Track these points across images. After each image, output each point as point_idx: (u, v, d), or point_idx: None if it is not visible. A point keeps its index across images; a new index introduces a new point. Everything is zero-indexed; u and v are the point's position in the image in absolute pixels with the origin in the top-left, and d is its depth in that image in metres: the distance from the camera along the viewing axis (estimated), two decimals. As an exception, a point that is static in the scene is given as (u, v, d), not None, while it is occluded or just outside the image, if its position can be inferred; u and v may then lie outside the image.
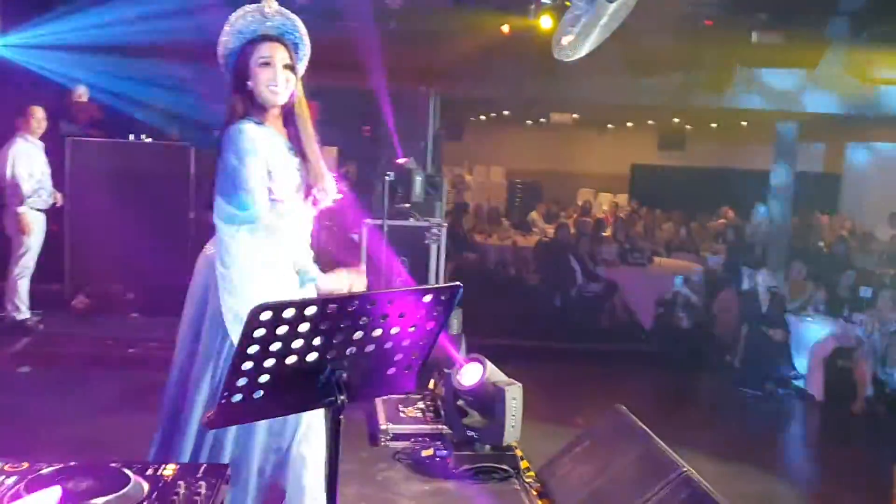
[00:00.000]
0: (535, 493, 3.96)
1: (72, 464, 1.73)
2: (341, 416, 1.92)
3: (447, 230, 10.75)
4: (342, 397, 1.90)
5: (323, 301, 1.79)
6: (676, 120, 13.80)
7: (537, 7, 5.72)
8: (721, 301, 8.43)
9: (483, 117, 14.88)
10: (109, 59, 7.04)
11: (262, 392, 1.86)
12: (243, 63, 2.84)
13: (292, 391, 1.91)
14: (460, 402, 4.03)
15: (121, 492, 1.59)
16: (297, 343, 1.81)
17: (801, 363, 7.17)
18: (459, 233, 10.84)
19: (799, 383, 7.14)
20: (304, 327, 1.79)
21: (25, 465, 1.79)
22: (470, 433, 4.02)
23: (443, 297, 1.95)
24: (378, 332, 1.92)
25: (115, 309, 7.00)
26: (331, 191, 2.94)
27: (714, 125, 13.95)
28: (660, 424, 3.77)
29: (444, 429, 4.45)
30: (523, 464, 4.15)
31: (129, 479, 1.66)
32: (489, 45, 7.11)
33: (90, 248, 6.88)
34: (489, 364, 4.01)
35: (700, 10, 7.47)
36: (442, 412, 4.48)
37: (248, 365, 1.78)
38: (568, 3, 5.11)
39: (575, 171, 16.63)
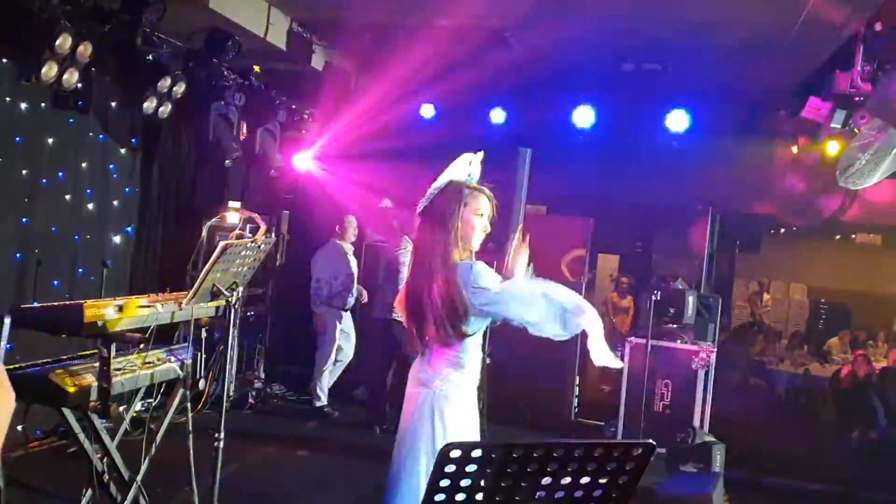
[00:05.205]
0: None
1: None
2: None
3: (731, 350, 10.22)
4: (529, 540, 1.96)
5: (508, 446, 1.88)
6: None
7: (825, 133, 5.41)
8: None
9: (783, 230, 13.99)
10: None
11: (455, 523, 1.98)
12: (453, 205, 3.06)
13: (484, 526, 2.00)
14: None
15: None
16: (486, 482, 1.91)
17: None
18: (746, 355, 10.19)
19: None
20: (491, 467, 1.90)
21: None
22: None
23: (635, 453, 1.94)
24: (567, 480, 1.96)
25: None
26: None
27: None
28: None
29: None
30: None
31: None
32: (778, 165, 6.81)
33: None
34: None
35: None
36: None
37: (440, 496, 1.92)
38: (857, 131, 4.79)
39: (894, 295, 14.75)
